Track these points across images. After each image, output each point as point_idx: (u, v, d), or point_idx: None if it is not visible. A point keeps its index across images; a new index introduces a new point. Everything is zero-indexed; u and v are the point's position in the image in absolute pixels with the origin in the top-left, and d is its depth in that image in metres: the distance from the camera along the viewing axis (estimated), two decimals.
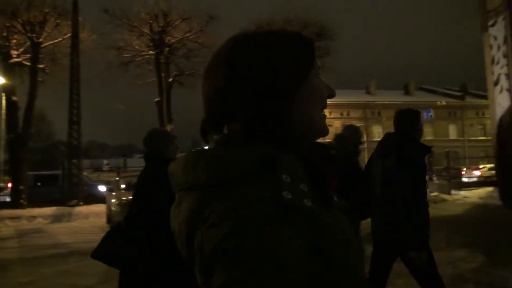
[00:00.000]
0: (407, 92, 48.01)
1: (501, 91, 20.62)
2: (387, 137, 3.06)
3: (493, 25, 20.88)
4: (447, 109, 44.91)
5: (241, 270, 0.52)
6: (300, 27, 16.30)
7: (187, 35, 16.24)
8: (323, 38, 17.19)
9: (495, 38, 20.74)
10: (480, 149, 39.96)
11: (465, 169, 27.50)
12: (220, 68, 0.67)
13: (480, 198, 16.65)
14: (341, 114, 42.45)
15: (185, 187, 0.63)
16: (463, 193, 18.74)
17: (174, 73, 17.28)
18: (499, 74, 20.62)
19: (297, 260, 0.54)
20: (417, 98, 45.50)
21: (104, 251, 2.44)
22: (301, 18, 16.41)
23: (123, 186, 11.84)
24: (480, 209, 12.81)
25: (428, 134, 44.38)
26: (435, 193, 19.72)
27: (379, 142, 3.11)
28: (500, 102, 20.82)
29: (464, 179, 24.29)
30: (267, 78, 0.65)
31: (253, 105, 0.64)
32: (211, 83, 0.68)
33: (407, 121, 2.92)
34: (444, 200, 16.69)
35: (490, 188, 19.74)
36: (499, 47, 20.54)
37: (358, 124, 42.72)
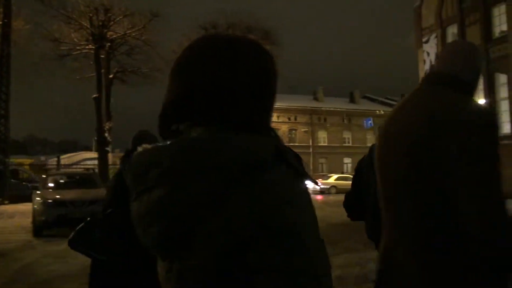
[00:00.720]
0: (352, 100, 49.90)
1: None
2: (372, 148, 2.96)
3: (426, 41, 22.35)
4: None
5: (291, 240, 0.61)
6: (243, 31, 16.50)
7: (129, 31, 15.84)
8: (267, 43, 17.47)
9: (428, 54, 22.21)
10: None
11: None
12: (210, 64, 0.70)
13: None
14: (289, 119, 43.28)
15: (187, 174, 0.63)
16: None
17: (116, 69, 16.77)
18: None
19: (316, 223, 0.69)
20: (361, 106, 47.52)
21: (81, 240, 2.44)
22: (245, 22, 16.60)
23: (51, 184, 11.31)
24: None
25: (369, 141, 46.51)
26: None
27: (370, 149, 3.00)
28: None
29: None
30: (263, 77, 0.73)
31: (250, 100, 0.70)
32: (191, 78, 0.71)
33: None
34: None
35: None
36: (431, 62, 22.01)
37: (304, 129, 43.87)
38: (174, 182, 0.63)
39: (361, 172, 2.91)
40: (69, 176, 12.22)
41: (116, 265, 2.46)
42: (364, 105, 48.57)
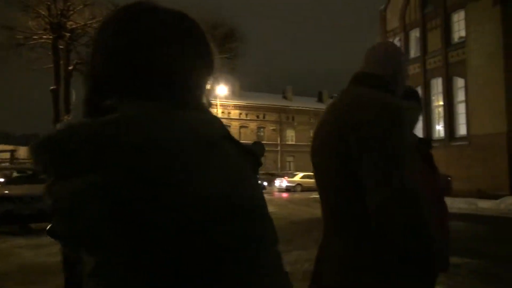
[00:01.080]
0: (320, 99, 50.66)
1: None
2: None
3: None
4: None
5: (254, 214, 0.62)
6: (209, 28, 16.36)
7: (90, 22, 15.28)
8: (233, 40, 17.38)
9: None
10: None
11: None
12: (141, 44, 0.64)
13: None
14: (257, 117, 43.39)
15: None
16: None
17: (75, 61, 16.16)
18: None
19: None
20: None
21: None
22: (210, 19, 16.41)
23: (1, 179, 10.93)
24: None
25: None
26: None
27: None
28: None
29: None
30: (204, 54, 0.70)
31: (187, 78, 0.67)
32: (120, 56, 0.64)
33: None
34: None
35: None
36: None
37: (272, 127, 44.16)
38: (120, 162, 0.55)
39: None
40: (20, 171, 11.73)
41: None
42: None
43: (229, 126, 41.75)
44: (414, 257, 1.10)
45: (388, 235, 1.07)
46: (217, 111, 40.99)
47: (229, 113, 41.64)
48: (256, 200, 0.64)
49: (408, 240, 1.06)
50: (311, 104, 47.97)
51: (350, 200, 1.17)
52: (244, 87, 50.38)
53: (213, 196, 0.58)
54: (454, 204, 15.37)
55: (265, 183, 27.08)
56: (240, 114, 42.25)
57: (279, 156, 43.88)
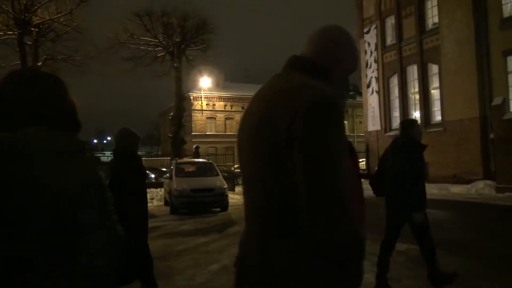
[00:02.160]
0: None
1: (372, 93, 22.77)
2: (395, 139, 4.22)
3: (367, 32, 22.87)
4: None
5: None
6: (180, 19, 16.16)
7: (56, 17, 14.97)
8: (205, 32, 17.22)
9: (369, 44, 22.76)
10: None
11: None
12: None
13: None
14: (242, 108, 43.16)
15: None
16: None
17: (45, 56, 15.89)
18: (371, 77, 22.73)
19: None
20: None
21: None
22: (181, 10, 16.22)
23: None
24: None
25: None
26: None
27: (392, 141, 4.25)
28: (371, 103, 23.02)
29: None
30: (59, 98, 1.13)
31: (57, 111, 1.09)
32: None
33: (411, 126, 4.15)
34: None
35: None
36: (371, 53, 22.59)
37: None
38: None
39: (385, 159, 4.18)
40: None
41: None
42: None
43: (215, 118, 41.63)
44: (339, 256, 1.06)
45: (315, 235, 1.01)
46: (202, 104, 40.81)
47: (214, 105, 41.45)
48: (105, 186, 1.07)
49: (334, 242, 1.02)
50: None
51: (276, 194, 1.09)
52: (229, 78, 50.11)
53: (59, 191, 0.93)
54: (427, 189, 15.55)
55: None
56: (225, 105, 42.06)
57: None
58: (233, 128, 42.42)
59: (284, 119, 1.05)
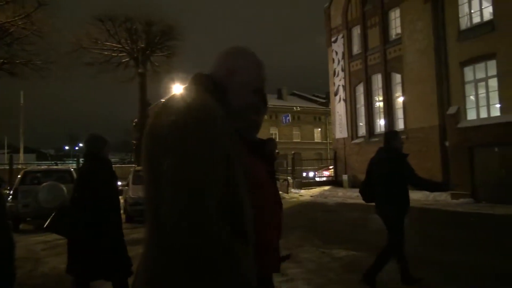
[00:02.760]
0: (280, 96, 50.91)
1: (339, 101, 23.14)
2: (379, 150, 4.61)
3: (335, 41, 23.29)
4: (313, 114, 48.89)
5: None
6: (144, 25, 16.03)
7: (13, 20, 14.54)
8: (170, 38, 17.12)
9: (336, 53, 23.17)
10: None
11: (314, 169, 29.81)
12: None
13: (311, 196, 18.32)
14: None
15: None
16: (303, 191, 20.42)
17: (2, 60, 15.40)
18: (339, 86, 23.11)
19: None
20: (289, 103, 48.66)
21: (55, 225, 3.29)
22: (146, 16, 16.07)
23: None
24: (304, 205, 14.13)
25: (295, 137, 47.82)
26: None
27: (376, 152, 4.63)
28: (338, 111, 23.38)
29: (317, 179, 26.57)
30: None
31: None
32: None
33: (392, 138, 4.51)
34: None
35: (326, 187, 21.98)
36: (339, 61, 22.99)
37: None
38: None
39: (371, 168, 4.54)
40: None
41: (88, 244, 3.18)
42: (292, 102, 49.79)
43: None
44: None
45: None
46: None
47: None
48: None
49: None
50: (270, 101, 48.10)
51: (154, 210, 1.01)
52: None
53: None
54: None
55: None
56: None
57: None
58: None
59: (154, 133, 1.05)
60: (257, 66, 1.32)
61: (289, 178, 22.90)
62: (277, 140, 46.00)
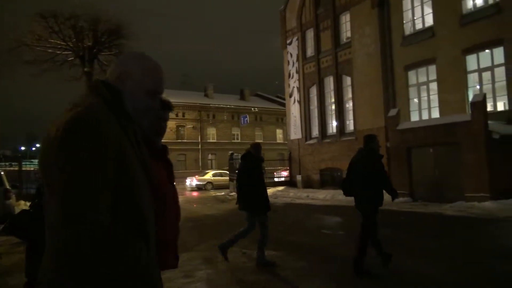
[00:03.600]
0: (242, 97, 51.00)
1: (294, 102, 23.46)
2: (359, 150, 5.22)
3: (290, 43, 23.58)
4: (275, 115, 49.27)
5: None
6: (90, 23, 15.63)
7: None
8: (118, 37, 16.77)
9: (291, 55, 23.48)
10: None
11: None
12: None
13: None
14: (176, 115, 42.61)
15: None
16: None
17: None
18: (293, 87, 23.42)
19: None
20: (251, 104, 48.82)
21: (14, 228, 3.21)
22: (92, 14, 15.66)
23: None
24: None
25: (257, 137, 48.02)
26: (224, 192, 21.23)
27: (357, 152, 5.25)
28: (293, 112, 23.71)
29: (275, 179, 26.77)
30: None
31: None
32: None
33: (370, 140, 5.13)
34: (232, 199, 17.98)
35: (280, 187, 22.20)
36: (293, 63, 23.31)
37: (192, 125, 43.68)
38: None
39: (351, 166, 5.15)
40: None
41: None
42: (254, 103, 49.99)
43: None
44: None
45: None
46: None
47: None
48: None
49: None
50: (232, 101, 48.15)
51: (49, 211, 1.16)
52: (173, 86, 49.16)
53: None
54: (335, 197, 16.20)
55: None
56: None
57: (200, 155, 43.55)
58: (167, 135, 41.45)
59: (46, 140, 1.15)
60: (152, 70, 1.36)
61: None
62: (239, 140, 46.10)
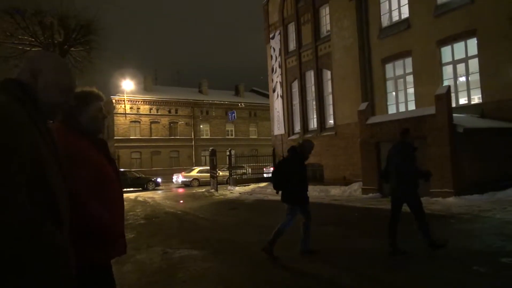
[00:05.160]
0: (237, 93, 50.70)
1: (277, 97, 23.17)
2: (394, 143, 5.74)
3: (273, 37, 23.26)
4: (269, 112, 48.87)
5: None
6: (57, 19, 15.45)
7: None
8: (88, 32, 16.58)
9: (274, 49, 23.16)
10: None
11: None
12: None
13: (240, 193, 18.23)
14: (169, 111, 42.49)
15: None
16: (237, 188, 20.32)
17: None
18: (276, 82, 23.12)
19: None
20: (246, 100, 48.49)
21: None
22: (60, 10, 15.47)
23: None
24: (217, 203, 13.98)
25: (252, 133, 47.78)
26: (205, 189, 21.06)
27: (393, 146, 5.77)
28: (276, 107, 23.42)
29: (265, 175, 26.48)
30: None
31: None
32: None
33: (404, 134, 5.65)
34: (209, 196, 17.81)
35: (263, 184, 21.98)
36: (276, 58, 23.00)
37: (186, 122, 43.46)
38: None
39: (389, 157, 5.68)
40: None
41: None
42: (249, 99, 49.65)
43: (139, 121, 40.53)
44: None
45: None
46: (125, 107, 39.59)
47: (138, 108, 40.28)
48: None
49: None
50: (227, 97, 47.88)
51: None
52: (160, 81, 49.05)
53: None
54: (309, 193, 15.94)
55: (159, 179, 26.62)
56: (151, 109, 41.03)
57: (193, 151, 43.40)
58: (159, 132, 41.53)
59: None
60: (62, 67, 1.47)
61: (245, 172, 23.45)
62: (233, 137, 45.87)
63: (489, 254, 5.16)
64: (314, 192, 15.81)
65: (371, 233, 7.30)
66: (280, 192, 5.79)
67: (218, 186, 22.29)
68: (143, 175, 26.93)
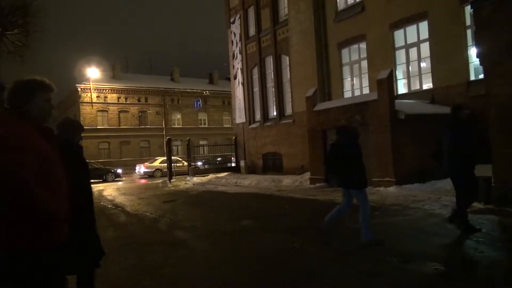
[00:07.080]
0: (211, 81, 49.70)
1: (238, 85, 22.41)
2: (447, 122, 5.57)
3: (233, 22, 22.36)
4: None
5: None
6: None
7: None
8: (23, 15, 15.52)
9: (235, 34, 22.30)
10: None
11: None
12: None
13: (194, 184, 17.58)
14: (139, 100, 41.35)
15: None
16: (195, 179, 19.64)
17: None
18: (237, 69, 22.32)
19: None
20: (219, 88, 47.54)
21: None
22: None
23: None
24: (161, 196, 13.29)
25: (225, 122, 46.99)
26: (161, 180, 20.34)
27: (446, 124, 5.60)
28: (237, 95, 22.67)
29: (228, 164, 25.70)
30: None
31: None
32: None
33: (456, 110, 5.53)
34: (162, 187, 17.11)
35: (222, 174, 21.34)
36: (237, 43, 22.17)
37: (154, 110, 42.36)
38: None
39: (441, 139, 5.60)
40: None
41: None
42: (223, 87, 48.71)
43: (107, 111, 39.30)
44: None
45: None
46: (92, 96, 38.28)
47: (105, 97, 39.00)
48: None
49: None
50: (201, 86, 46.84)
51: None
52: (132, 70, 47.61)
53: None
54: (260, 183, 15.37)
55: (119, 170, 25.74)
56: (119, 98, 39.79)
57: (164, 141, 42.39)
58: (128, 122, 40.40)
59: None
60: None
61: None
62: (206, 126, 45.03)
63: (382, 253, 4.64)
64: (265, 182, 15.26)
65: (281, 228, 6.72)
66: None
67: (179, 176, 21.64)
68: (102, 166, 26.01)
